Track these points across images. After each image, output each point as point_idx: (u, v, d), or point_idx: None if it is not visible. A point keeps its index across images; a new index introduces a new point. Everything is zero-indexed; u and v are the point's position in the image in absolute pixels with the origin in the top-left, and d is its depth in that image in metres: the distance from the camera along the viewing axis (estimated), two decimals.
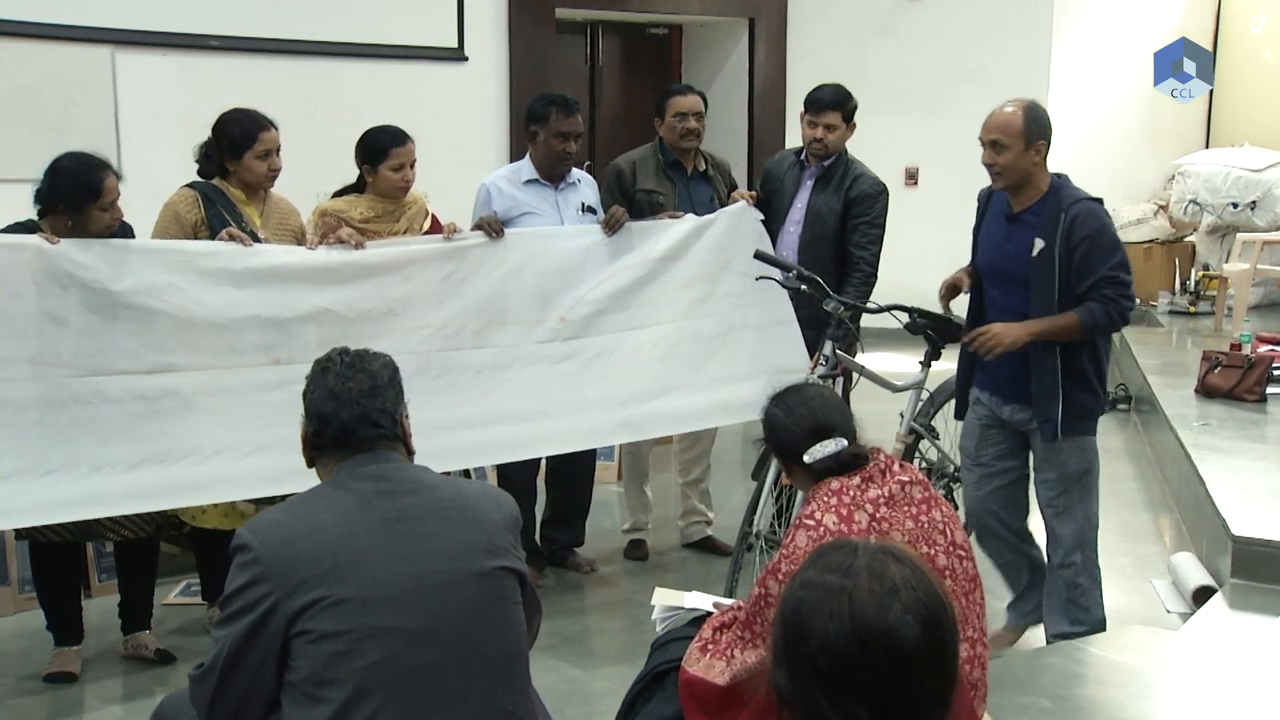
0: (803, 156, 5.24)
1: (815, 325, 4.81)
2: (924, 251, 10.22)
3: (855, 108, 5.14)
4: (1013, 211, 3.98)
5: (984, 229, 4.15)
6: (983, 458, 4.19)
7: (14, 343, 3.71)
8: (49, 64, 6.86)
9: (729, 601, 2.98)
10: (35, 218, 3.91)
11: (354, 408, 2.38)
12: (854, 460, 2.80)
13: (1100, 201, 3.99)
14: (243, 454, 4.03)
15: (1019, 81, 10.24)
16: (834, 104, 5.08)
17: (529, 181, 4.84)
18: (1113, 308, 3.83)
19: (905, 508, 2.75)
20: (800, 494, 4.36)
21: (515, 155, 8.05)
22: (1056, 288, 3.85)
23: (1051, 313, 3.85)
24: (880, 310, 4.80)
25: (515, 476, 4.73)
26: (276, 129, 4.33)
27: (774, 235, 5.15)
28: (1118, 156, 11.12)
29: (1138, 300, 4.73)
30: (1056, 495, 4.02)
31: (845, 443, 2.81)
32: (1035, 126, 3.94)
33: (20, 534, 4.05)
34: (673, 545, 5.38)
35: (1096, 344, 3.96)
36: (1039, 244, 3.87)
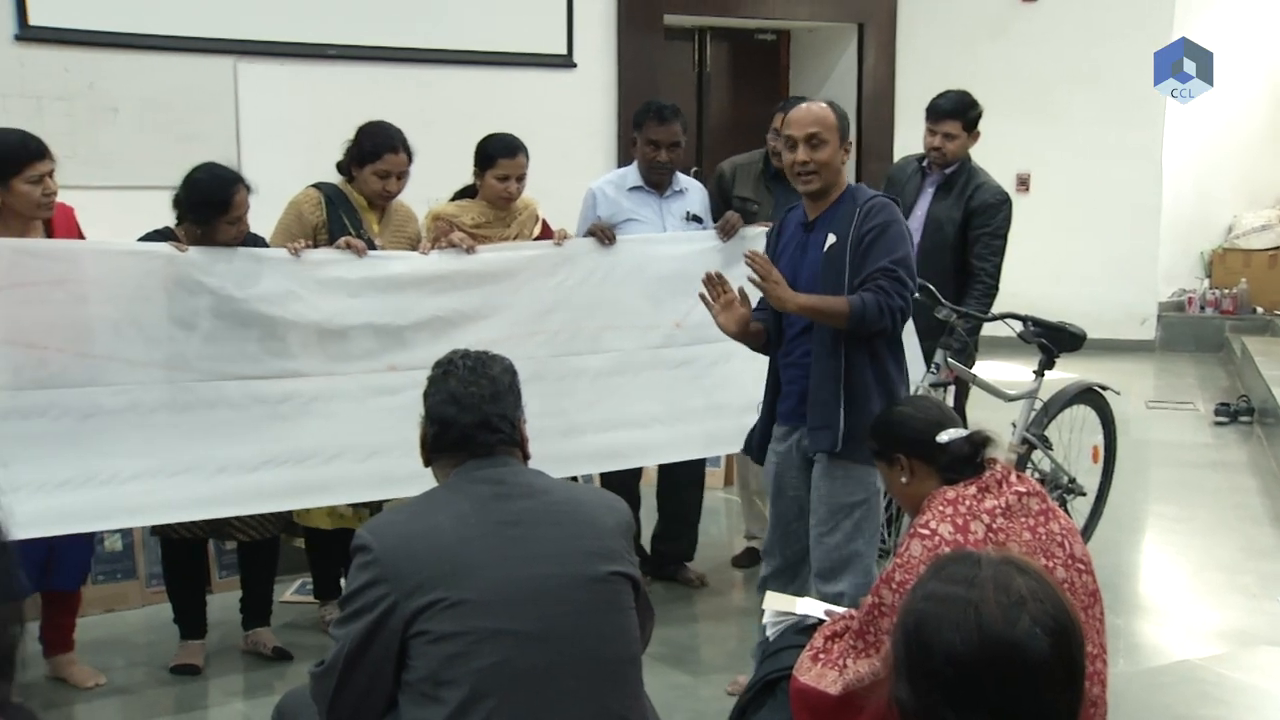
0: (925, 163, 5.18)
1: (931, 335, 4.74)
2: (1035, 259, 10.03)
3: (978, 115, 5.05)
4: (809, 219, 3.68)
5: (781, 252, 3.75)
6: (776, 501, 3.79)
7: (146, 347, 3.82)
8: (176, 75, 7.07)
9: (841, 609, 2.97)
10: (173, 224, 4.02)
11: (475, 413, 2.40)
12: (985, 445, 2.81)
13: (897, 202, 3.76)
14: (361, 457, 4.11)
15: (1136, 84, 10.03)
16: (953, 112, 5.00)
17: (634, 188, 4.84)
18: (884, 299, 3.46)
19: (1022, 519, 2.71)
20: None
21: (623, 161, 8.06)
22: (846, 282, 3.53)
23: None
24: (993, 319, 4.73)
25: (617, 482, 4.69)
26: (408, 153, 4.35)
27: None
28: (1242, 161, 10.81)
29: (913, 302, 4.44)
30: (826, 531, 3.60)
31: (975, 431, 2.84)
32: (845, 124, 3.67)
33: (153, 530, 4.19)
34: None
35: (885, 361, 3.60)
36: (831, 239, 3.58)
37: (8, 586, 1.00)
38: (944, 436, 2.82)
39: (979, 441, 2.82)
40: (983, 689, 1.46)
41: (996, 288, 4.97)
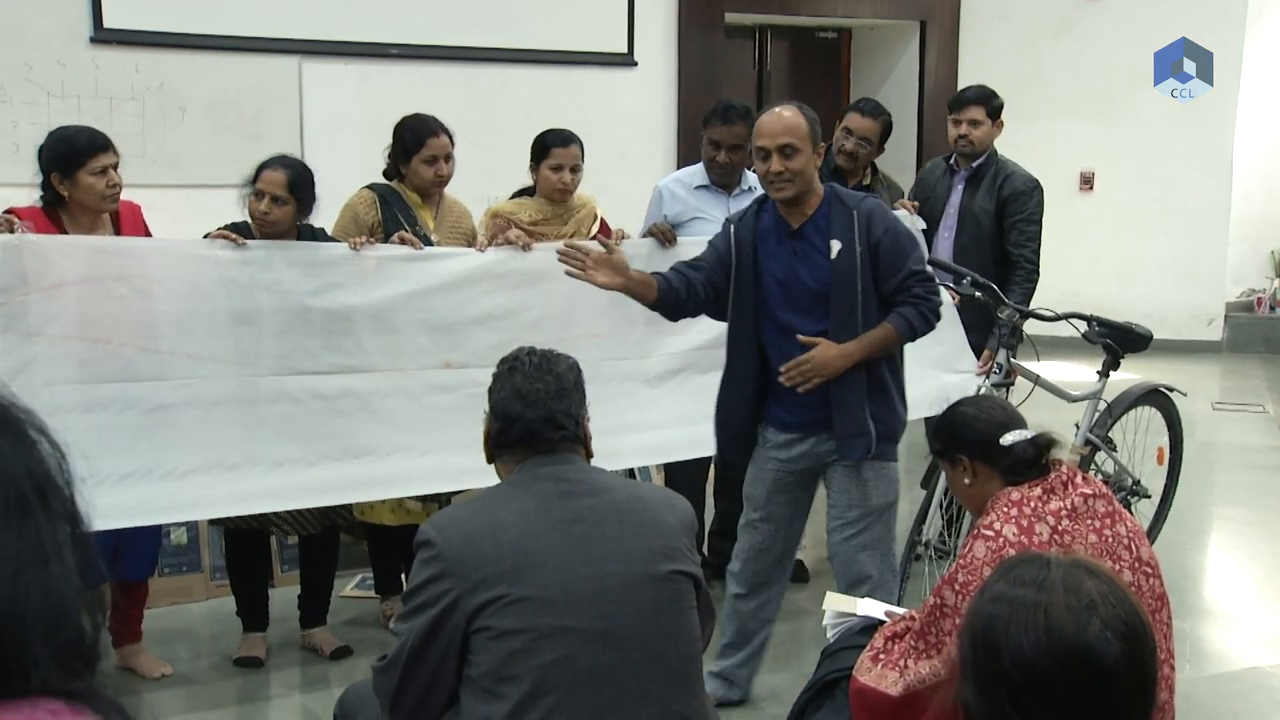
0: (952, 161, 5.19)
1: (983, 329, 4.75)
2: (1098, 258, 9.93)
3: (1001, 105, 5.09)
4: (793, 227, 3.60)
5: (762, 254, 3.64)
6: (773, 508, 3.76)
7: (208, 342, 3.87)
8: (242, 74, 7.17)
9: (901, 610, 2.95)
10: (248, 220, 4.07)
11: (540, 409, 2.41)
12: (1049, 448, 2.78)
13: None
14: (417, 454, 4.13)
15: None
16: (977, 99, 5.05)
17: (700, 187, 4.80)
18: (925, 307, 3.51)
19: (1088, 521, 2.68)
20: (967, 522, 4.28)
21: (684, 159, 8.07)
22: (859, 289, 3.50)
23: (854, 318, 3.50)
24: (1057, 318, 4.68)
25: (683, 484, 4.64)
26: (449, 135, 4.40)
27: (929, 242, 5.08)
28: None
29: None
30: (858, 533, 3.63)
31: (1040, 433, 2.80)
32: (816, 128, 3.59)
33: (214, 520, 4.24)
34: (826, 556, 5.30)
35: (894, 356, 3.63)
36: (836, 245, 3.51)
37: (88, 575, 1.03)
38: (1008, 439, 2.79)
39: (1043, 444, 2.79)
40: (1052, 693, 1.44)
41: (1037, 273, 4.99)
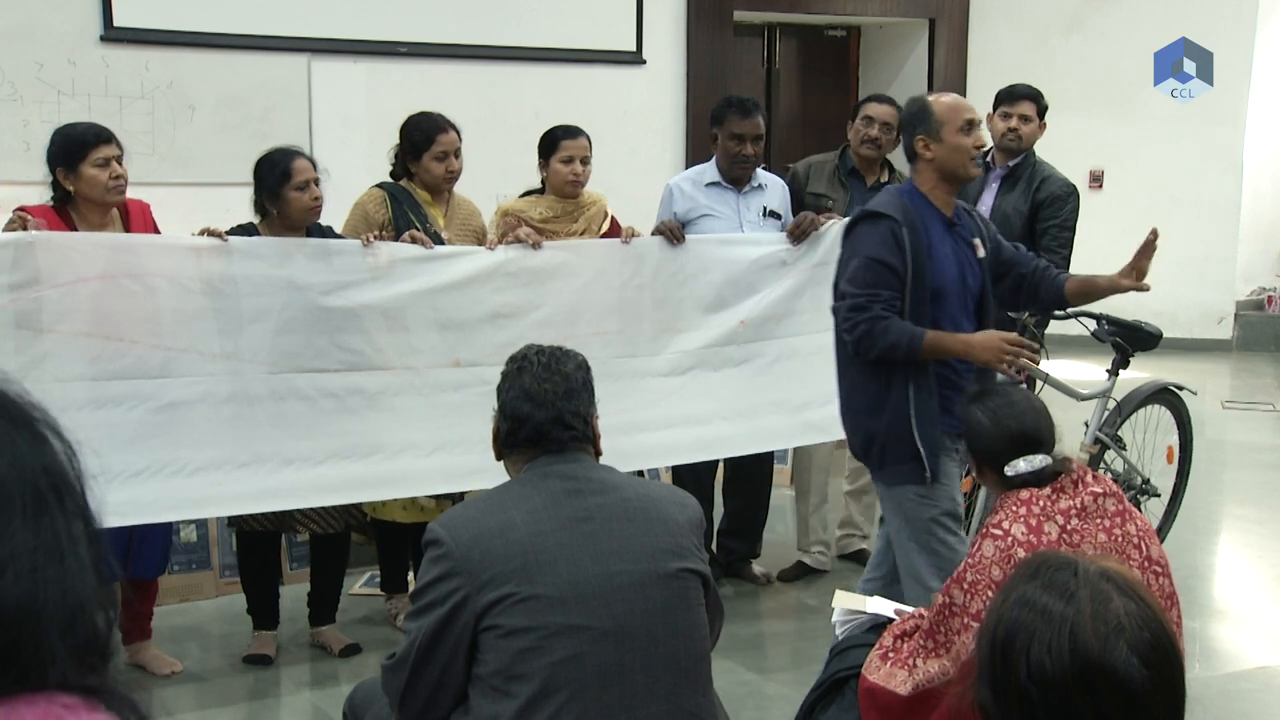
0: (988, 158, 5.13)
1: (1007, 329, 4.70)
2: (1109, 256, 9.84)
3: (1046, 107, 5.02)
4: (948, 216, 3.57)
5: (933, 250, 3.47)
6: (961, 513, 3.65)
7: (219, 339, 3.88)
8: (251, 73, 7.19)
9: (911, 609, 2.95)
10: (255, 221, 4.09)
11: (549, 409, 2.41)
12: (1054, 477, 2.73)
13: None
14: (425, 453, 4.13)
15: (1216, 80, 9.83)
16: (1028, 95, 4.97)
17: (711, 184, 4.80)
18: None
19: (1098, 520, 2.67)
20: (980, 500, 4.29)
21: (692, 158, 8.07)
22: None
23: (993, 318, 3.66)
24: (1066, 317, 4.67)
25: (690, 482, 4.62)
26: (457, 131, 4.40)
27: None
28: None
29: None
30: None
31: (1049, 460, 2.75)
32: None
33: (229, 522, 4.25)
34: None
35: None
36: (979, 245, 3.62)
37: (101, 572, 1.03)
38: (1010, 470, 2.74)
39: (1048, 476, 2.74)
40: (1074, 711, 1.41)
41: None
